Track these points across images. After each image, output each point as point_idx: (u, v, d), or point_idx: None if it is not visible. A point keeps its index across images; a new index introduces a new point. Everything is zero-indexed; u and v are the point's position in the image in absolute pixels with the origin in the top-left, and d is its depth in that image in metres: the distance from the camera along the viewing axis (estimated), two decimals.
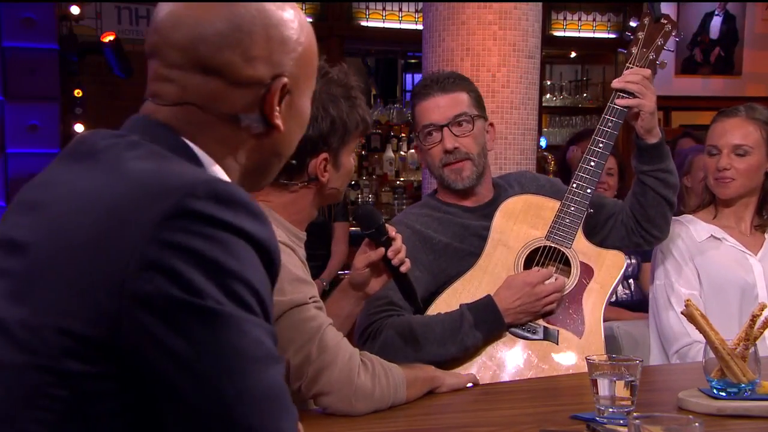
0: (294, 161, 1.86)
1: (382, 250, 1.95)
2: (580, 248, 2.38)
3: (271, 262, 1.08)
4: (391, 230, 1.97)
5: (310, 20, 6.86)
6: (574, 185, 2.39)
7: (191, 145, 1.17)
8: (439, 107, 2.39)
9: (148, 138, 1.14)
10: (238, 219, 1.03)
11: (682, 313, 1.90)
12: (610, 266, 2.36)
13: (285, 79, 1.20)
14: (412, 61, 7.98)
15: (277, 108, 1.20)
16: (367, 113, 1.95)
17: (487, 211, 2.46)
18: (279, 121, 1.21)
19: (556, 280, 2.29)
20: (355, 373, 1.73)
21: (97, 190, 1.06)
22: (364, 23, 7.08)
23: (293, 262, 1.80)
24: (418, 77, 7.80)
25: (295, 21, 1.22)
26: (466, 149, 2.39)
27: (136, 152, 1.11)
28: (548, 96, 7.76)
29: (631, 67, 2.42)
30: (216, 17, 1.16)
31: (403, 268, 1.97)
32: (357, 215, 1.98)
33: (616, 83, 2.40)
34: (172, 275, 0.98)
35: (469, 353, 2.24)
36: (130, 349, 0.99)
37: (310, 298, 1.78)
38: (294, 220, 1.92)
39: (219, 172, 1.18)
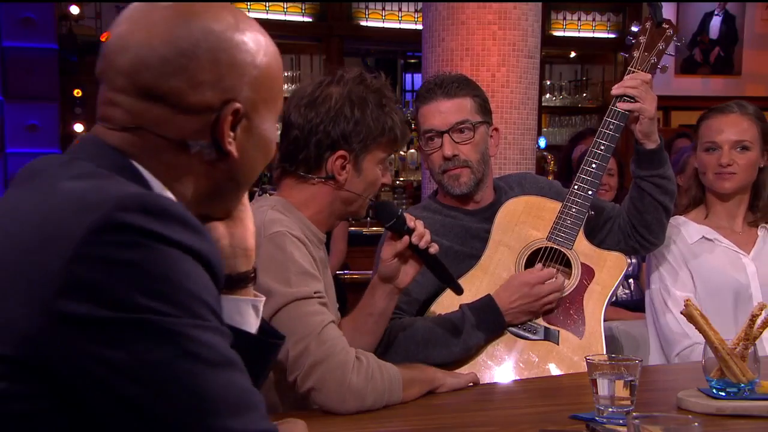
0: (312, 154, 1.91)
1: (407, 238, 1.97)
2: (582, 249, 2.38)
3: (212, 272, 1.05)
4: (410, 219, 1.98)
5: (310, 20, 6.89)
6: (576, 187, 2.39)
7: (139, 167, 1.13)
8: (441, 113, 2.39)
9: (94, 159, 1.10)
10: (170, 230, 0.99)
11: (681, 313, 1.89)
12: (611, 268, 2.37)
13: (237, 105, 1.15)
14: (412, 61, 7.98)
15: (230, 134, 1.15)
16: (398, 126, 1.96)
17: (488, 213, 2.46)
18: (232, 148, 1.16)
19: (556, 279, 2.30)
20: (349, 369, 1.74)
21: (25, 209, 1.02)
22: (363, 23, 7.08)
23: (302, 255, 1.82)
24: (417, 77, 7.80)
25: (249, 42, 1.16)
26: (465, 156, 2.39)
27: (70, 171, 1.07)
28: (548, 96, 7.76)
29: (633, 71, 2.42)
30: (159, 42, 1.11)
31: (432, 250, 1.99)
32: (375, 210, 2.00)
33: (615, 89, 2.41)
34: (101, 292, 0.95)
35: (470, 353, 2.24)
36: (66, 369, 0.96)
37: (315, 293, 1.79)
38: (315, 219, 1.96)
39: (168, 196, 1.13)
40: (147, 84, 1.12)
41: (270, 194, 2.00)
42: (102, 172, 1.08)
